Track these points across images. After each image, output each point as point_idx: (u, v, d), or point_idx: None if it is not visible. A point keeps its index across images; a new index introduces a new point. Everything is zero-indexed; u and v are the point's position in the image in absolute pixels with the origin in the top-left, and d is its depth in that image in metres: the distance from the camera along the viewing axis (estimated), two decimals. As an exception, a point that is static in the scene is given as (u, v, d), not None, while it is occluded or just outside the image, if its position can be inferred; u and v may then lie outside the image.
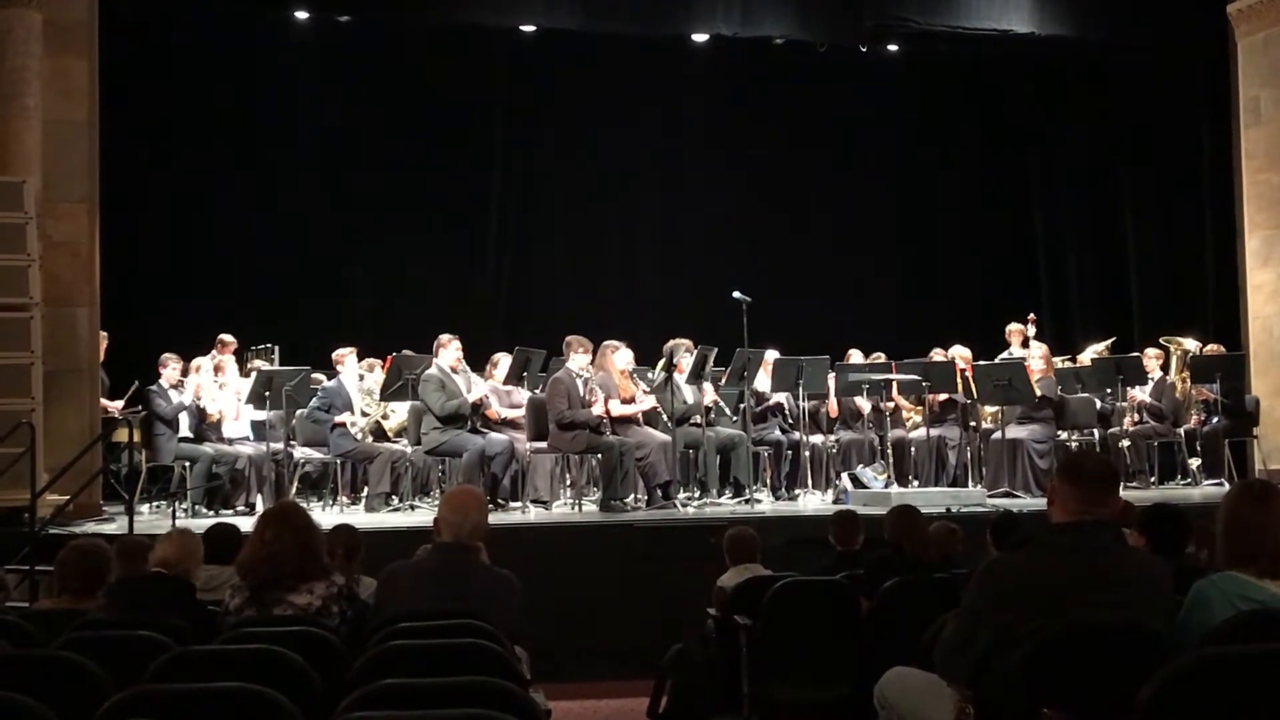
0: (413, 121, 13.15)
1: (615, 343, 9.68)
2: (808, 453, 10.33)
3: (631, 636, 7.01)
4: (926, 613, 3.98)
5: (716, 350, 9.83)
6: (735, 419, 10.21)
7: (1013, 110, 14.57)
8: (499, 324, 13.00)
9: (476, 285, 13.50)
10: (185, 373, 9.91)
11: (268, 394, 9.35)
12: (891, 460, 10.25)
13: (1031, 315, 11.56)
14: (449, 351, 9.48)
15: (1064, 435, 10.40)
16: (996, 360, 10.72)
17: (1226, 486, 9.61)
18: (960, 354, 10.72)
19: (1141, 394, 10.82)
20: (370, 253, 13.13)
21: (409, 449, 9.70)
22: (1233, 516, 3.43)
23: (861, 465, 10.27)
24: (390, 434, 10.18)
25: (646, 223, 13.94)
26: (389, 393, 9.69)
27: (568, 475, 9.76)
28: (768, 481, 10.33)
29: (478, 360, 10.26)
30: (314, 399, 9.73)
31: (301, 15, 12.16)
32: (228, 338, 10.63)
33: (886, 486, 9.71)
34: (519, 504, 9.66)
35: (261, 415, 9.84)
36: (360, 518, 8.72)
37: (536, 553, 7.31)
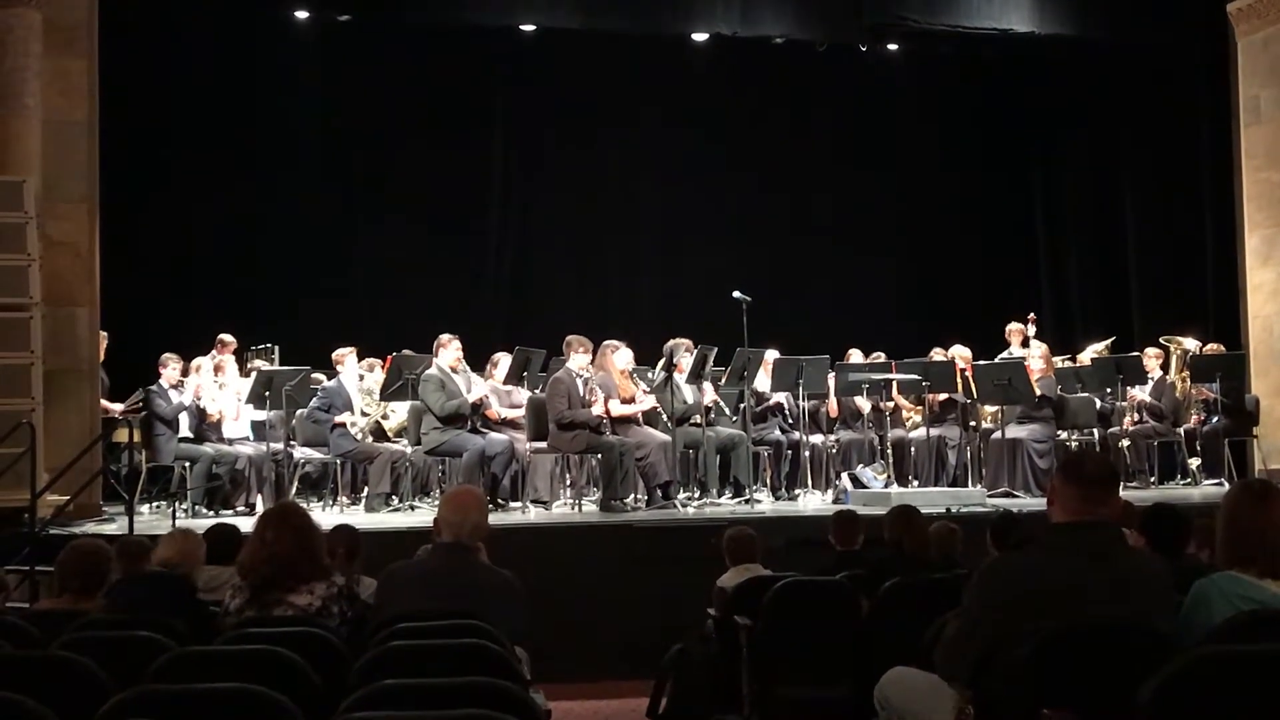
0: (413, 121, 13.16)
1: (615, 342, 9.68)
2: (808, 453, 10.33)
3: (631, 637, 7.00)
4: (926, 613, 3.98)
5: (716, 350, 9.83)
6: (735, 419, 10.21)
7: (1013, 109, 14.57)
8: (499, 324, 13.00)
9: (476, 285, 13.50)
10: (185, 373, 9.90)
11: (268, 394, 9.35)
12: (891, 460, 10.25)
13: (1031, 315, 11.56)
14: (449, 351, 9.48)
15: (1064, 435, 10.40)
16: (996, 360, 10.72)
17: (1226, 486, 9.61)
18: (960, 354, 10.72)
19: (1141, 394, 10.82)
20: (370, 252, 13.14)
21: (409, 449, 9.70)
22: (1233, 516, 3.43)
23: (861, 465, 10.27)
24: (390, 434, 10.18)
25: (646, 222, 13.94)
26: (389, 393, 9.69)
27: (568, 475, 9.76)
28: (768, 481, 10.33)
29: (478, 360, 10.26)
30: (314, 399, 9.73)
31: (301, 15, 12.18)
32: (228, 338, 10.63)
33: (886, 486, 9.71)
34: (519, 504, 9.67)
35: (261, 415, 9.84)
36: (360, 518, 8.72)
37: (536, 553, 7.31)
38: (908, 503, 6.40)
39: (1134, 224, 13.52)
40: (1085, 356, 11.76)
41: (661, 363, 9.88)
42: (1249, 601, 3.24)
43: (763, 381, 10.24)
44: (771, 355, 10.15)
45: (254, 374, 9.87)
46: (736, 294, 9.62)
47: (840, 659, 4.76)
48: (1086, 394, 10.79)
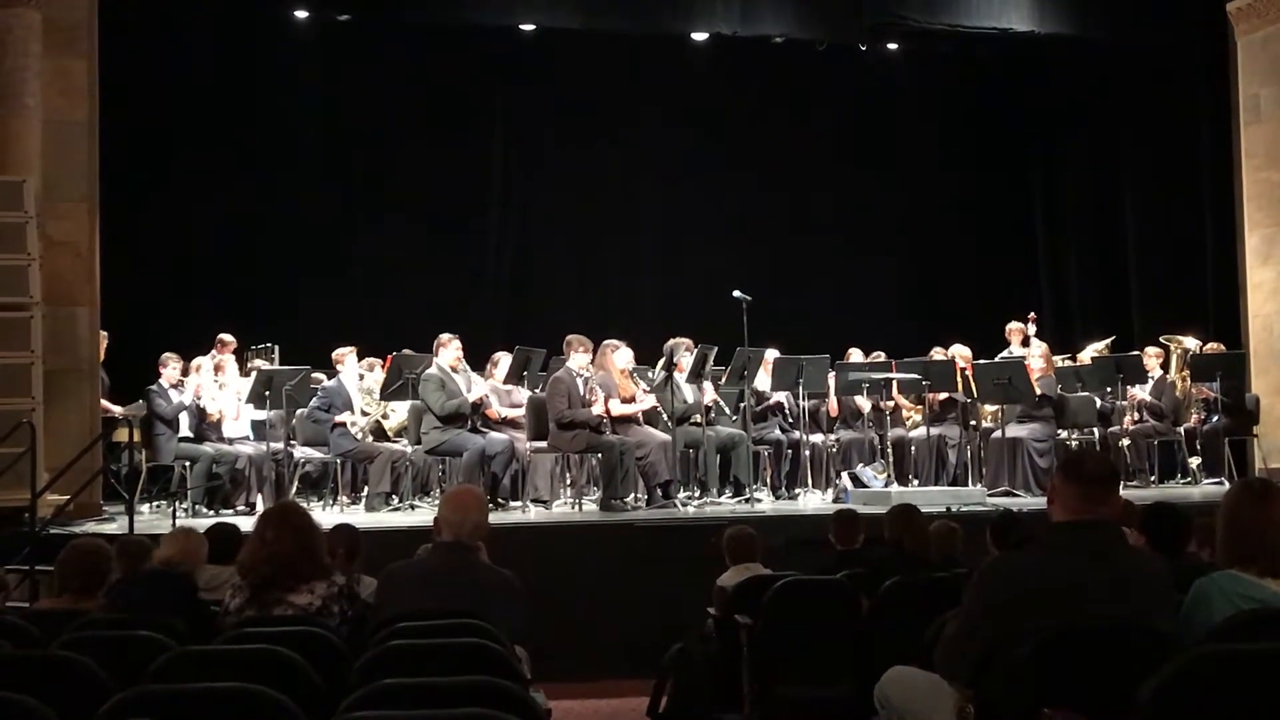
0: (413, 121, 13.17)
1: (615, 342, 9.68)
2: (808, 452, 10.33)
3: (632, 636, 7.01)
4: (927, 612, 3.98)
5: (716, 349, 9.83)
6: (735, 418, 10.21)
7: (1012, 109, 14.57)
8: (499, 323, 13.00)
9: (476, 285, 13.51)
10: (185, 372, 9.91)
11: (268, 393, 9.35)
12: (891, 459, 10.25)
13: (1031, 314, 11.57)
14: (449, 351, 9.48)
15: (1064, 434, 10.40)
16: (996, 359, 10.72)
17: (1226, 485, 9.62)
18: (960, 353, 10.72)
19: (1141, 393, 10.82)
20: (370, 252, 13.14)
21: (409, 448, 9.70)
22: (1233, 515, 3.43)
23: (861, 464, 10.27)
24: (390, 433, 10.19)
25: (646, 222, 13.94)
26: (389, 392, 9.70)
27: (568, 475, 9.76)
28: (768, 481, 10.33)
29: (478, 359, 10.26)
30: (314, 398, 9.73)
31: (301, 15, 12.18)
32: (227, 337, 10.64)
33: (886, 485, 9.71)
34: (519, 503, 9.67)
35: (262, 415, 9.84)
36: (360, 517, 8.73)
37: (537, 552, 7.31)
38: (908, 502, 6.39)
39: (1134, 224, 13.52)
40: (1085, 356, 11.76)
41: (662, 362, 9.88)
42: (1249, 600, 3.24)
43: (763, 381, 10.24)
44: (772, 354, 10.15)
45: (254, 373, 9.87)
46: (736, 293, 9.62)
47: (840, 658, 4.76)
48: (1087, 393, 10.79)
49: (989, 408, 10.63)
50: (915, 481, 10.25)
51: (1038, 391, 9.92)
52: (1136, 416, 10.83)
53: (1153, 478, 10.75)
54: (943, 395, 10.44)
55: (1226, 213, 11.92)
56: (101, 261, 9.66)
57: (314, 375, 9.93)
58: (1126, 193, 13.67)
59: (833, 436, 10.56)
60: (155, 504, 9.77)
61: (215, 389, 9.85)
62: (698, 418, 9.66)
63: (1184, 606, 3.36)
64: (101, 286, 9.65)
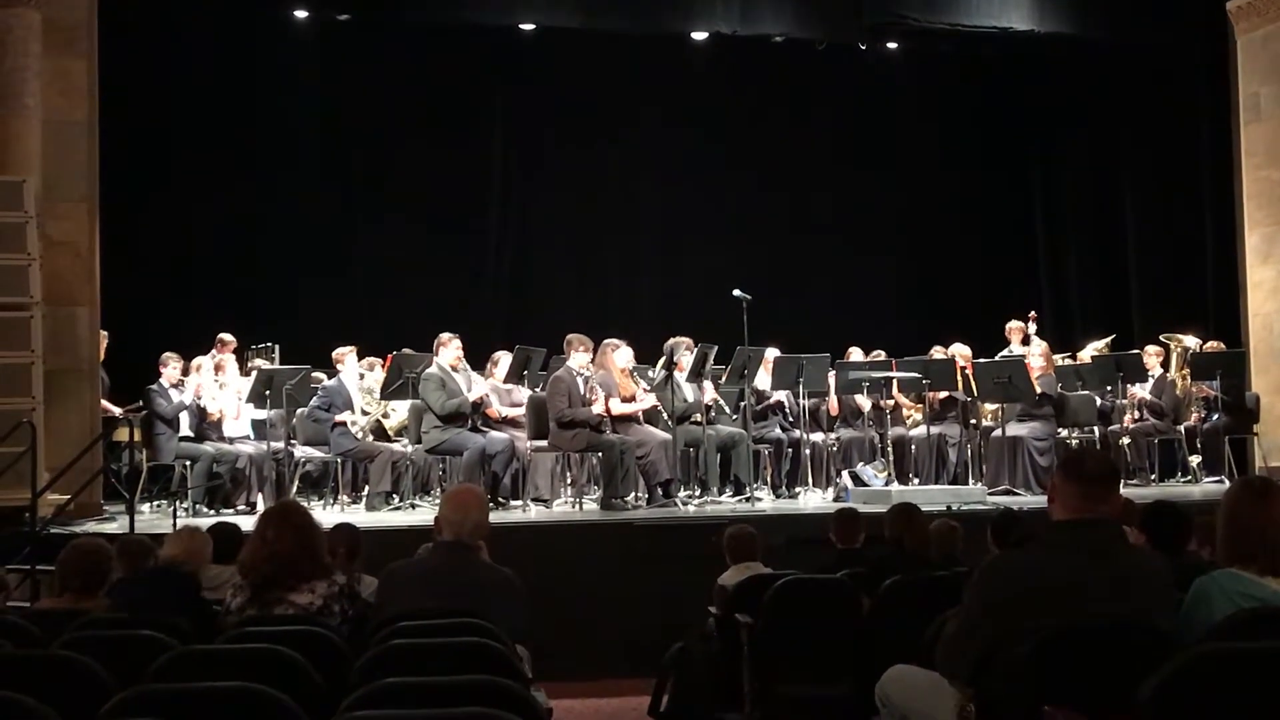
0: (412, 120, 13.17)
1: (616, 341, 9.68)
2: (808, 451, 10.33)
3: (632, 635, 7.01)
4: (927, 611, 3.98)
5: (717, 348, 9.82)
6: (735, 417, 10.22)
7: (1012, 108, 14.57)
8: (499, 323, 13.00)
9: (476, 284, 13.51)
10: (186, 372, 9.91)
11: (268, 393, 9.36)
12: (892, 458, 10.25)
13: (1032, 313, 11.57)
14: (449, 350, 9.48)
15: (1064, 433, 10.40)
16: (997, 358, 10.72)
17: (1227, 484, 9.62)
18: (960, 352, 10.73)
19: (1142, 391, 10.83)
20: (370, 252, 13.14)
21: (409, 448, 9.70)
22: (1233, 514, 3.43)
23: (862, 463, 10.27)
24: (391, 433, 10.19)
25: (646, 221, 13.94)
26: (389, 391, 9.70)
27: (568, 474, 9.76)
28: (768, 480, 10.33)
29: (478, 359, 10.26)
30: (314, 398, 9.73)
31: (301, 14, 12.18)
32: (227, 337, 10.64)
33: (887, 484, 9.71)
34: (520, 502, 9.67)
35: (262, 414, 9.84)
36: (361, 517, 8.73)
37: (537, 551, 7.31)
38: (908, 500, 6.39)
39: (1134, 223, 13.52)
40: (1085, 354, 11.77)
41: (662, 361, 9.88)
42: (1249, 599, 3.24)
43: (763, 380, 10.25)
44: (772, 353, 10.16)
45: (254, 373, 9.87)
46: (737, 292, 9.62)
47: (841, 657, 4.76)
48: (1087, 392, 10.79)
49: (989, 406, 10.63)
50: (915, 480, 10.26)
51: (1038, 390, 9.92)
52: (1137, 415, 10.83)
53: (1153, 476, 10.76)
54: (943, 394, 10.45)
55: (1226, 211, 11.92)
56: (101, 261, 9.66)
57: (314, 375, 9.93)
58: (1126, 192, 13.67)
59: (833, 435, 10.57)
60: (156, 503, 9.77)
61: (215, 388, 9.86)
62: (698, 417, 9.66)
63: (1184, 605, 3.36)
64: (101, 286, 9.65)
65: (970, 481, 9.99)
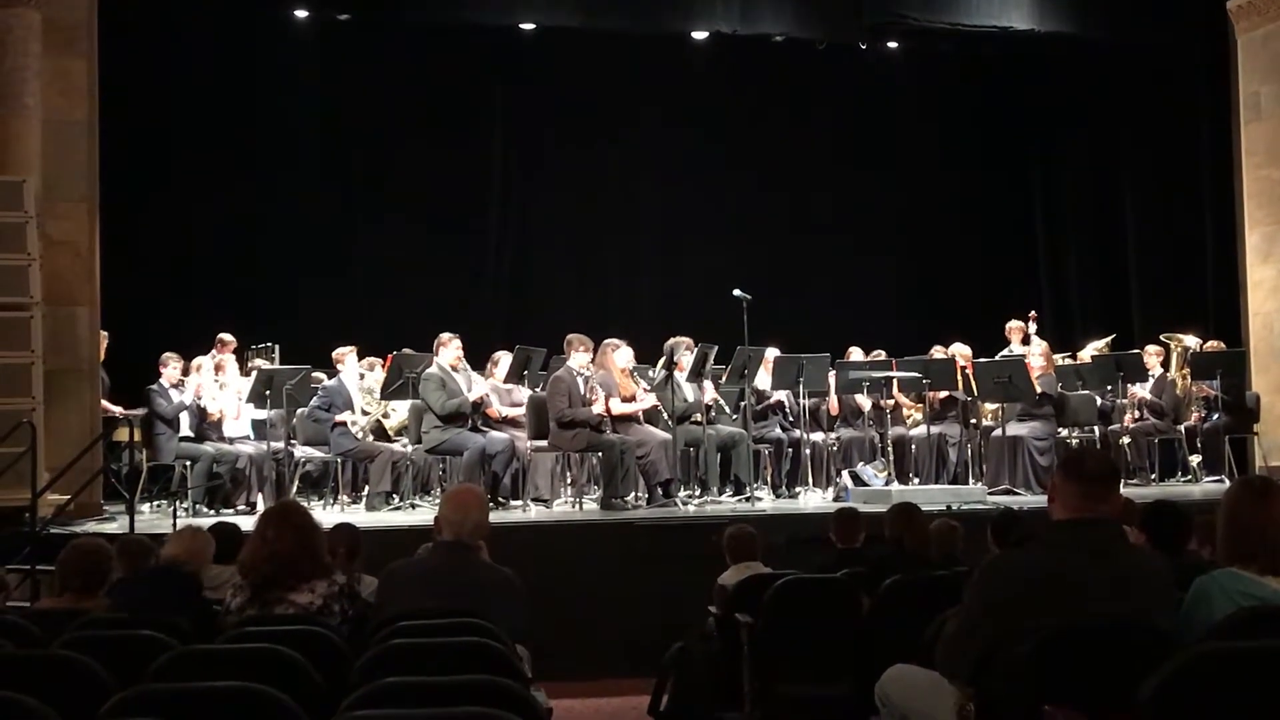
0: (412, 120, 13.16)
1: (616, 341, 9.68)
2: (808, 450, 10.33)
3: (632, 634, 7.01)
4: (927, 610, 3.98)
5: (717, 348, 9.82)
6: (736, 417, 10.22)
7: (1012, 108, 14.57)
8: (499, 323, 12.99)
9: (476, 284, 13.50)
10: (186, 372, 9.91)
11: (268, 393, 9.36)
12: (892, 458, 10.25)
13: (1032, 312, 11.57)
14: (449, 350, 9.48)
15: (1064, 432, 10.40)
16: (997, 357, 10.72)
17: (1227, 483, 9.61)
18: (960, 351, 10.73)
19: (1142, 391, 10.83)
20: (370, 252, 13.13)
21: (409, 448, 9.70)
22: (1233, 513, 3.43)
23: (862, 463, 10.27)
24: (391, 433, 10.19)
25: (646, 220, 13.93)
26: (389, 391, 9.70)
27: (568, 474, 9.76)
28: (768, 479, 10.33)
29: (478, 359, 10.27)
30: (314, 398, 9.73)
31: (301, 14, 12.18)
32: (227, 337, 10.64)
33: (887, 484, 9.71)
34: (520, 502, 9.67)
35: (262, 414, 9.84)
36: (361, 516, 8.73)
37: (537, 551, 7.31)
38: (908, 500, 6.40)
39: (1134, 223, 13.52)
40: (1086, 354, 11.77)
41: (662, 361, 9.88)
42: (1249, 598, 3.24)
43: (763, 379, 10.25)
44: (772, 353, 10.16)
45: (254, 373, 9.88)
46: (737, 292, 9.61)
47: (841, 657, 4.76)
48: (1087, 391, 10.79)
49: (989, 406, 10.64)
50: (916, 480, 10.25)
51: (1038, 390, 9.92)
52: (1137, 414, 10.83)
53: (1153, 476, 10.76)
54: (943, 393, 10.45)
55: (1226, 211, 11.92)
56: (101, 261, 9.66)
57: (314, 375, 9.93)
58: (1126, 192, 13.67)
59: (833, 435, 10.56)
60: (156, 503, 9.78)
61: (216, 388, 9.86)
62: (698, 416, 9.66)
63: (1184, 604, 3.36)
64: (101, 286, 9.65)
65: (970, 481, 9.99)
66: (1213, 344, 11.30)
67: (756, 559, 5.88)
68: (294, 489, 9.46)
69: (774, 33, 12.26)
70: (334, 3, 12.08)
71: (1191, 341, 11.41)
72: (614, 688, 6.77)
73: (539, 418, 9.31)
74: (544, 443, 9.30)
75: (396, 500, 9.52)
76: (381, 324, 12.10)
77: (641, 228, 13.91)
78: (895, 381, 10.50)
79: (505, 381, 10.12)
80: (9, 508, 7.75)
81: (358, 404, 9.94)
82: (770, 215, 13.99)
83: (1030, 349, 10.78)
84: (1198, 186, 12.68)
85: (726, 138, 13.77)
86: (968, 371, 10.28)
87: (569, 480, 9.75)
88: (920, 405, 10.59)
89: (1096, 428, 10.70)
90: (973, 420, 10.58)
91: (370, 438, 9.96)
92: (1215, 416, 10.75)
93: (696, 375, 9.64)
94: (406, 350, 9.75)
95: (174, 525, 7.45)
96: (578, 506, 9.31)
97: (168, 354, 9.78)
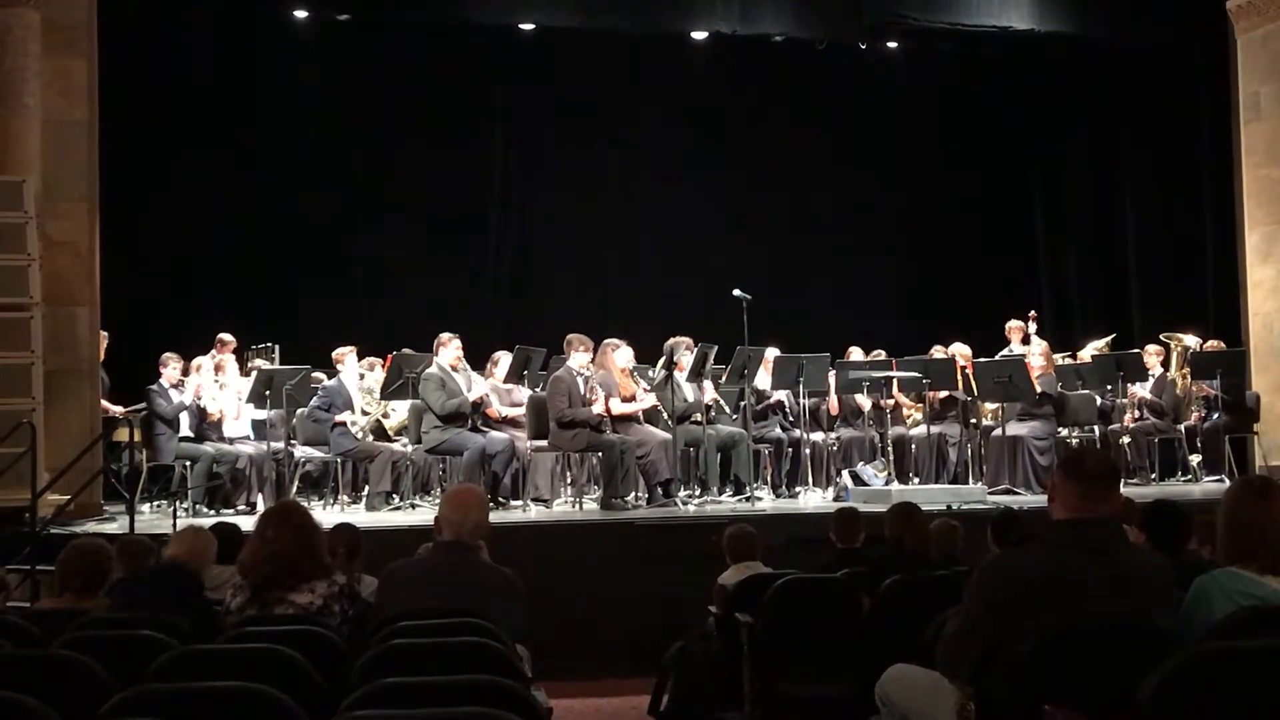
0: (412, 120, 13.17)
1: (616, 341, 9.68)
2: (808, 450, 10.33)
3: (633, 634, 7.01)
4: (928, 610, 3.98)
5: (717, 348, 9.82)
6: (736, 417, 10.22)
7: (1012, 108, 14.57)
8: (499, 323, 12.99)
9: (476, 284, 13.51)
10: (186, 372, 9.91)
11: (268, 393, 9.36)
12: (892, 457, 10.25)
13: (1032, 312, 11.57)
14: (449, 350, 9.48)
15: (1064, 432, 10.40)
16: (997, 357, 10.72)
17: (1227, 483, 9.62)
18: (960, 351, 10.72)
19: (1142, 390, 10.83)
20: (370, 252, 13.14)
21: (409, 448, 9.70)
22: (1233, 513, 3.43)
23: (862, 462, 10.27)
24: (391, 433, 10.19)
25: (646, 220, 13.94)
26: (389, 391, 9.70)
27: (568, 473, 9.76)
28: (768, 479, 10.33)
29: (478, 359, 10.27)
30: (314, 398, 9.73)
31: (301, 14, 12.18)
32: (227, 337, 10.64)
33: (887, 484, 9.71)
34: (520, 502, 9.67)
35: (262, 414, 9.84)
36: (361, 517, 8.73)
37: (537, 551, 7.31)
38: (908, 500, 6.39)
39: (1134, 223, 13.52)
40: (1086, 353, 11.76)
41: (662, 361, 9.88)
42: (1249, 598, 3.24)
43: (763, 379, 10.25)
44: (772, 353, 10.16)
45: (254, 373, 9.88)
46: (736, 292, 9.62)
47: (841, 656, 4.76)
48: (1087, 391, 10.79)
49: (989, 406, 10.64)
50: (916, 480, 10.25)
51: (1038, 389, 9.92)
52: (1137, 414, 10.83)
53: (1153, 475, 10.76)
54: (943, 393, 10.45)
55: (1226, 210, 11.93)
56: (101, 261, 9.66)
57: (314, 375, 9.93)
58: (1126, 192, 13.67)
59: (833, 435, 10.56)
60: (156, 504, 9.78)
61: (215, 389, 9.86)
62: (698, 416, 9.66)
63: (1184, 604, 3.36)
64: (101, 286, 9.65)
65: (970, 481, 9.99)
66: (1213, 344, 11.30)
67: (756, 559, 5.88)
68: (294, 489, 9.46)
69: (774, 33, 12.26)
70: (334, 3, 12.08)
71: (1191, 341, 11.41)
72: (614, 687, 6.77)
73: (539, 418, 9.31)
74: (544, 443, 9.30)
75: (396, 500, 9.52)
76: (381, 324, 12.10)
77: (641, 228, 13.91)
78: (895, 381, 10.50)
79: (505, 381, 10.12)
80: (9, 508, 7.75)
81: (358, 404, 9.94)
82: (770, 215, 13.99)
83: (1030, 349, 10.79)
84: (1198, 186, 12.68)
85: (726, 138, 13.77)
86: (968, 371, 10.28)
87: (569, 480, 9.75)
88: (920, 405, 10.59)
89: (1096, 427, 10.70)
90: (973, 420, 10.57)
91: (370, 438, 9.96)
92: (1215, 416, 10.75)
93: (696, 375, 9.64)
94: (406, 350, 9.75)
95: (174, 525, 7.46)
96: (578, 506, 9.31)
97: (168, 354, 9.78)
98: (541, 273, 13.75)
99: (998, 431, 10.06)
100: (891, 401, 10.79)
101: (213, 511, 9.19)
